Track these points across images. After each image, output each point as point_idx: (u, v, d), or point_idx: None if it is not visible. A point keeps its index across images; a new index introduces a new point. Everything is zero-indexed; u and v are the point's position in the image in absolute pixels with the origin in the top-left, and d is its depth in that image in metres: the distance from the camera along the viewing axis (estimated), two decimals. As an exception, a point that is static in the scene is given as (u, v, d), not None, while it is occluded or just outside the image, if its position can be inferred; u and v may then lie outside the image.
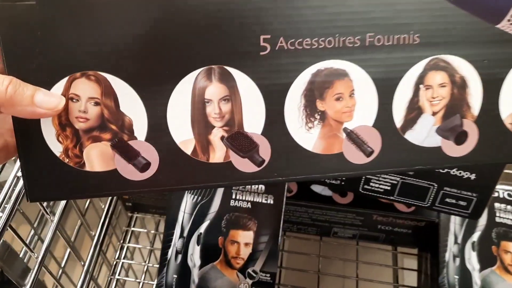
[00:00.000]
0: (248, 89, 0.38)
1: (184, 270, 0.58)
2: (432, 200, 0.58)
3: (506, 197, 0.64)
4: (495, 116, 0.42)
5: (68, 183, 0.38)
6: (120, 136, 0.38)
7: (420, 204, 0.59)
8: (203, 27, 0.36)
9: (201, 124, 0.39)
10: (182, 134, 0.39)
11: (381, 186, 0.58)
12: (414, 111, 0.41)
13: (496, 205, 0.64)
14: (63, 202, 0.59)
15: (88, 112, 0.37)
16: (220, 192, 0.59)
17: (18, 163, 0.56)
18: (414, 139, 0.41)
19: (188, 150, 0.39)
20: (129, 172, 0.39)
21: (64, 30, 0.35)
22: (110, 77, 0.37)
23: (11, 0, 0.34)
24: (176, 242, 0.58)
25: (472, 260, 0.63)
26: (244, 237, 0.58)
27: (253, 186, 0.60)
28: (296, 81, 0.39)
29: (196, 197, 0.59)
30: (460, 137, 0.42)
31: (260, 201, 0.59)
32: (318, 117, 0.40)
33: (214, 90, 0.38)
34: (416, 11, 0.38)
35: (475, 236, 0.63)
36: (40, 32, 0.35)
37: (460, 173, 0.55)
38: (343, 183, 0.59)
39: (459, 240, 0.64)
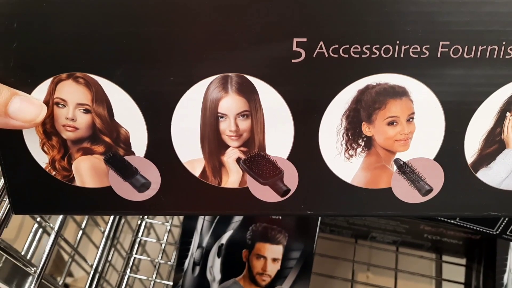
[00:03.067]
0: (274, 104, 0.30)
1: (202, 284, 0.52)
2: (503, 227, 0.48)
3: None
4: None
5: (55, 197, 0.33)
6: (115, 150, 0.31)
7: (486, 231, 0.49)
8: (216, 22, 0.28)
9: (213, 142, 0.31)
10: (190, 152, 0.31)
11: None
12: (494, 145, 0.31)
13: None
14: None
15: (77, 120, 0.30)
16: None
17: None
18: (490, 179, 0.31)
19: (196, 171, 0.32)
20: (126, 191, 0.32)
21: (46, 22, 0.28)
22: (102, 81, 0.29)
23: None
24: (194, 252, 0.52)
25: None
26: (272, 252, 0.51)
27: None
28: (337, 98, 0.30)
29: (218, 202, 0.52)
30: (553, 181, 0.31)
31: (292, 211, 0.50)
32: (362, 143, 0.31)
33: (231, 103, 0.30)
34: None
35: None
36: (16, 24, 0.28)
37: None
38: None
39: None
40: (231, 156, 0.31)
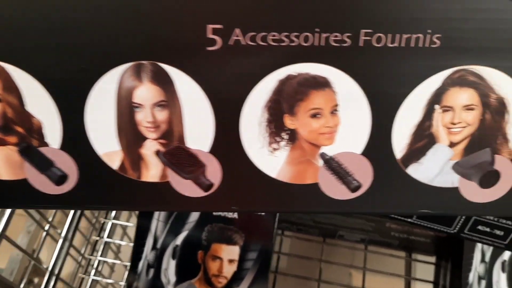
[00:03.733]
0: (191, 94, 0.28)
1: (156, 286, 0.51)
2: (461, 226, 0.47)
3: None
4: (544, 153, 0.29)
5: (-31, 190, 0.31)
6: (29, 141, 0.30)
7: (445, 230, 0.47)
8: (129, 8, 0.26)
9: (130, 134, 0.30)
10: (106, 144, 0.30)
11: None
12: (424, 139, 0.29)
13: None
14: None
15: (-14, 109, 0.29)
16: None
17: None
18: (421, 175, 0.30)
19: (114, 164, 0.30)
20: (43, 183, 0.31)
21: None
22: (10, 68, 0.28)
23: None
24: (148, 254, 0.51)
25: (501, 283, 0.52)
26: (228, 253, 0.50)
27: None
28: (257, 88, 0.28)
29: (172, 202, 0.50)
30: (488, 178, 0.30)
31: (249, 210, 0.49)
32: (286, 136, 0.29)
33: (146, 93, 0.28)
34: (439, 2, 0.26)
35: (507, 254, 0.51)
36: None
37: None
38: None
39: (487, 258, 0.52)
40: (149, 149, 0.30)
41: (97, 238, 0.63)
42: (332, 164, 0.30)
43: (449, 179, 0.30)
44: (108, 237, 0.64)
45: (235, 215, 0.49)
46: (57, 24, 0.27)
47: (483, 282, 0.52)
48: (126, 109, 0.29)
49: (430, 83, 0.28)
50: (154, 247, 0.51)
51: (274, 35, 0.27)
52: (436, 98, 0.28)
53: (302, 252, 0.64)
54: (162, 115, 0.29)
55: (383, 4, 0.26)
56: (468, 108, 0.28)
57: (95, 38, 0.27)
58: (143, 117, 0.29)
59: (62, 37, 0.27)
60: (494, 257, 0.52)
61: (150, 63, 0.28)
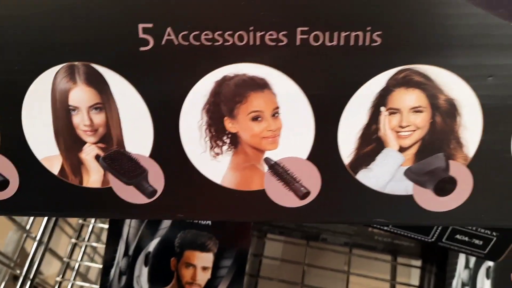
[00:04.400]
0: (127, 97, 0.27)
1: None
2: (438, 235, 0.44)
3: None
4: (504, 159, 0.27)
5: None
6: (-32, 145, 0.29)
7: (422, 239, 0.45)
8: (61, 7, 0.26)
9: (68, 137, 0.29)
10: (45, 148, 0.29)
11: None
12: (372, 144, 0.28)
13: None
14: None
15: None
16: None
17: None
18: (372, 182, 0.28)
19: (54, 169, 0.30)
20: (-16, 189, 0.30)
21: None
22: None
23: None
24: (120, 261, 0.50)
25: None
26: (202, 260, 0.48)
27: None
28: (194, 90, 0.27)
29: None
30: (443, 186, 0.28)
31: (223, 216, 0.47)
32: (227, 140, 0.28)
33: (81, 95, 0.28)
34: (376, -4, 0.24)
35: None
36: None
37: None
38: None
39: (471, 264, 0.50)
40: (89, 153, 0.29)
41: (76, 241, 0.62)
42: (277, 170, 0.29)
43: (402, 187, 0.28)
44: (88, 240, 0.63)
45: (209, 221, 0.48)
46: (-12, 25, 0.26)
47: None
48: (62, 112, 0.28)
49: (373, 84, 0.26)
50: (126, 253, 0.50)
51: (207, 34, 0.26)
52: (381, 100, 0.26)
53: (285, 256, 0.62)
54: (99, 118, 0.28)
55: (319, 0, 0.25)
56: (416, 110, 0.26)
57: (27, 38, 0.27)
58: (80, 121, 0.28)
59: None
60: (478, 263, 0.49)
61: (83, 64, 0.27)
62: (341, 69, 0.26)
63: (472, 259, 0.50)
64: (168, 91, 0.27)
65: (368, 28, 0.25)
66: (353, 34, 0.25)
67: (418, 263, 0.61)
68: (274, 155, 0.28)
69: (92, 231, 0.65)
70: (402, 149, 0.27)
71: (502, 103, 0.26)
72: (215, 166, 0.29)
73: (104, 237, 0.71)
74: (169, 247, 0.49)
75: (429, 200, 0.29)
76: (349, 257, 0.61)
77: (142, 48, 0.26)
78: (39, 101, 0.28)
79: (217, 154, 0.29)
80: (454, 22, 0.25)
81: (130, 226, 0.50)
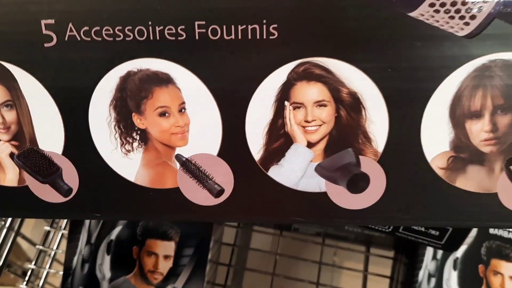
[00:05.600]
0: (36, 93, 0.28)
1: (91, 282, 0.50)
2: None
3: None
4: (415, 154, 0.27)
5: None
6: None
7: (380, 229, 0.44)
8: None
9: (-19, 135, 0.29)
10: (-40, 146, 0.29)
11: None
12: (280, 139, 0.27)
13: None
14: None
15: None
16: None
17: None
18: (284, 178, 0.28)
19: (-30, 167, 0.30)
20: None
21: None
22: None
23: None
24: (83, 249, 0.50)
25: (451, 282, 0.48)
26: (164, 248, 0.48)
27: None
28: (99, 86, 0.27)
29: (105, 195, 0.50)
30: (356, 182, 0.28)
31: (184, 203, 0.47)
32: (137, 137, 0.28)
33: (-10, 93, 0.28)
34: (267, -12, 0.24)
35: (460, 251, 0.47)
36: None
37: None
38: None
39: (439, 255, 0.48)
40: (3, 151, 0.29)
41: (49, 228, 0.62)
42: (189, 167, 0.28)
43: (315, 183, 0.28)
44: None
45: None
46: None
47: (433, 280, 0.48)
48: (-26, 110, 0.28)
49: (274, 78, 0.26)
50: (88, 241, 0.50)
51: (108, 30, 0.26)
52: (284, 94, 0.26)
53: (258, 245, 0.61)
54: (10, 115, 0.28)
55: (214, -6, 0.25)
56: (320, 104, 0.26)
57: None
58: (-8, 118, 0.28)
59: None
60: (446, 255, 0.48)
61: (-9, 61, 0.27)
62: (242, 63, 0.26)
63: (440, 250, 0.49)
64: (74, 87, 0.27)
65: (264, 21, 0.25)
66: (250, 27, 0.25)
67: (391, 253, 0.59)
68: (185, 151, 0.28)
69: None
70: (310, 145, 0.27)
71: (406, 96, 0.25)
72: (128, 163, 0.29)
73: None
74: (131, 235, 0.49)
75: (343, 197, 0.28)
76: (322, 247, 0.60)
77: (46, 45, 0.26)
78: (-49, 98, 0.28)
79: (128, 151, 0.28)
80: (350, 15, 0.24)
81: (91, 215, 0.50)
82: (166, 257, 0.49)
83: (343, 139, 0.27)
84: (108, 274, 0.50)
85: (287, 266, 0.62)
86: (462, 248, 0.49)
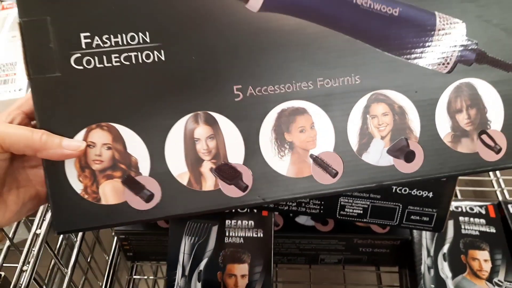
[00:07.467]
0: (229, 128, 0.48)
1: None
2: (399, 218, 0.66)
3: (468, 210, 0.74)
4: (434, 135, 0.51)
5: (87, 216, 0.46)
6: (128, 173, 0.47)
7: (390, 223, 0.66)
8: (188, 81, 0.47)
9: (193, 158, 0.48)
10: (178, 167, 0.48)
11: (354, 211, 0.66)
12: (366, 137, 0.50)
13: (461, 218, 0.73)
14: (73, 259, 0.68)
15: (102, 155, 0.46)
16: (214, 231, 0.67)
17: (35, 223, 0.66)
18: (370, 160, 0.50)
19: (184, 181, 0.48)
20: (137, 203, 0.47)
21: (81, 94, 0.46)
22: (118, 126, 0.46)
23: (42, 73, 0.45)
24: (179, 281, 0.65)
25: (445, 269, 0.70)
26: (240, 270, 0.65)
27: (243, 222, 0.68)
28: (266, 119, 0.48)
29: (193, 238, 0.67)
30: (408, 156, 0.51)
31: (251, 235, 0.67)
32: (287, 146, 0.49)
33: (201, 131, 0.48)
34: (354, 54, 0.49)
35: (445, 248, 0.71)
36: (63, 96, 0.45)
37: (420, 193, 0.64)
38: (321, 211, 0.67)
39: (432, 253, 0.71)
40: (206, 167, 0.48)
41: None
42: (318, 161, 0.50)
43: (387, 160, 0.50)
44: None
45: (241, 240, 0.66)
46: (146, 94, 0.46)
47: (432, 271, 0.70)
48: (190, 143, 0.48)
49: (361, 103, 0.49)
50: (183, 274, 0.65)
51: (271, 88, 0.48)
52: (366, 110, 0.50)
53: (293, 279, 0.80)
54: (212, 143, 0.48)
55: (321, 58, 0.49)
56: (385, 114, 0.50)
57: (171, 99, 0.47)
58: (201, 147, 0.48)
59: (149, 101, 0.47)
60: (436, 251, 0.71)
61: (204, 112, 0.47)
62: (344, 97, 0.49)
63: (431, 249, 0.71)
64: (252, 121, 0.48)
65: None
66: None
67: (396, 269, 0.81)
68: (314, 151, 0.49)
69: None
70: (382, 138, 0.50)
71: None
72: (282, 163, 0.49)
73: None
74: (215, 264, 0.66)
75: (402, 166, 0.51)
76: (344, 273, 0.80)
77: (236, 99, 0.48)
78: (176, 138, 0.47)
79: (282, 156, 0.49)
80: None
81: (184, 253, 0.67)
82: (243, 276, 0.67)
83: (399, 132, 0.50)
84: (203, 297, 0.65)
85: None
86: (446, 246, 0.72)
